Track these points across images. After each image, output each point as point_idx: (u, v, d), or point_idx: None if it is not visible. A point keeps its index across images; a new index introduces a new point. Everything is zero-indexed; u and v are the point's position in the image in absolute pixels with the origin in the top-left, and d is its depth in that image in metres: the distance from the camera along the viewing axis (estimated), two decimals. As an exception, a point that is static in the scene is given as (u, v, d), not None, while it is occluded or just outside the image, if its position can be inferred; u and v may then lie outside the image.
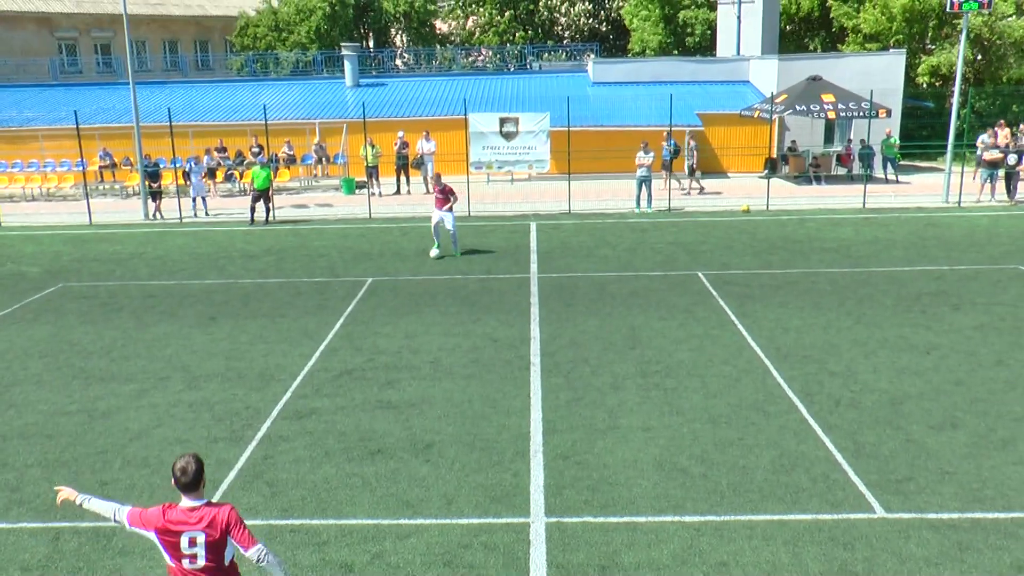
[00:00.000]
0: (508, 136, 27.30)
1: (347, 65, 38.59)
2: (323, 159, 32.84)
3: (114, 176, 33.44)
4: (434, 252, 20.65)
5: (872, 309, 15.69)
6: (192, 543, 5.63)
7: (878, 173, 31.37)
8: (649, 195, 26.27)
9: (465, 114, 27.92)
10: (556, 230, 23.55)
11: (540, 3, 50.79)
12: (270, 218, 25.90)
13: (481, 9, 51.57)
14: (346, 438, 10.77)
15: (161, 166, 29.33)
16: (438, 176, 21.41)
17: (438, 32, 55.55)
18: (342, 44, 41.94)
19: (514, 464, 9.97)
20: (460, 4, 52.80)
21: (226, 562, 5.73)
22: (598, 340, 14.22)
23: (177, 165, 29.42)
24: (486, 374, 12.82)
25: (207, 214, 27.62)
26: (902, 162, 32.92)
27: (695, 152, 29.35)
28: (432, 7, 53.37)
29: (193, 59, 56.77)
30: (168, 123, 28.25)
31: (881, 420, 10.91)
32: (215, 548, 5.64)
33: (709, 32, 43.66)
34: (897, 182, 30.96)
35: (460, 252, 20.83)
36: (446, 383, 12.50)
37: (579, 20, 51.59)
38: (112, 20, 51.83)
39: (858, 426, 10.75)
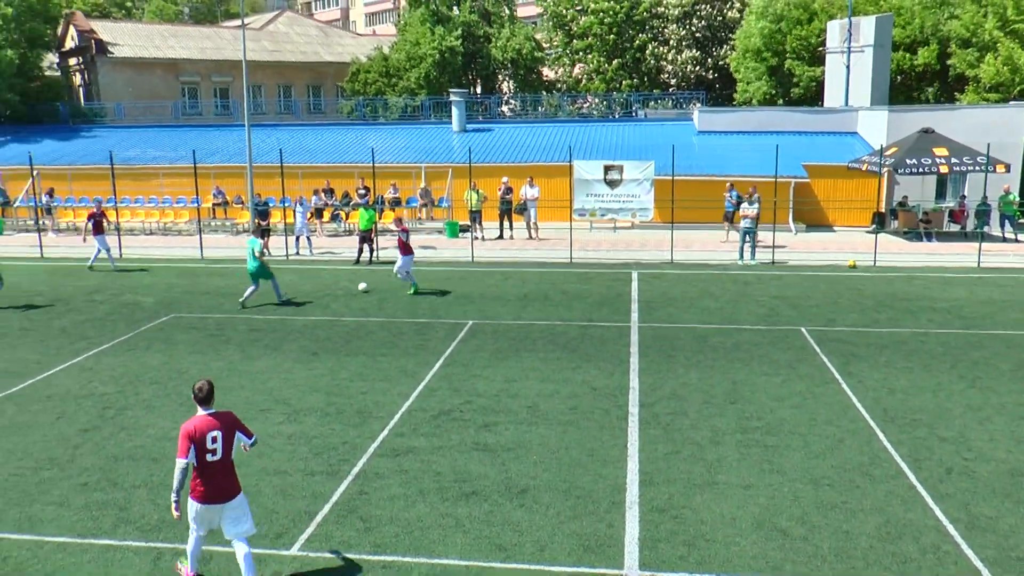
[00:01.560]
0: (612, 184, 27.33)
1: (454, 111, 39.35)
2: (428, 202, 33.42)
3: (225, 213, 34.70)
4: (362, 286, 22.29)
5: (987, 373, 15.01)
6: (214, 440, 8.13)
7: (995, 231, 30.22)
8: (753, 246, 25.87)
9: (570, 161, 28.09)
10: (658, 279, 23.36)
11: (647, 51, 50.90)
12: (373, 258, 26.41)
13: (588, 57, 51.97)
14: (441, 478, 10.81)
15: (271, 205, 30.30)
16: (399, 220, 22.83)
17: (545, 79, 56.18)
18: (450, 90, 42.76)
19: (609, 514, 9.83)
20: (567, 51, 53.33)
21: (232, 454, 8.28)
22: (698, 393, 13.98)
23: (286, 204, 30.37)
24: (584, 422, 12.72)
25: (311, 252, 28.33)
26: (1022, 220, 31.66)
27: (757, 204, 28.57)
28: (540, 54, 54.07)
29: (306, 103, 58.75)
30: (279, 164, 29.23)
31: (998, 492, 10.37)
32: (227, 442, 8.23)
33: (815, 85, 43.04)
34: (1016, 240, 29.76)
35: (415, 291, 21.85)
36: (543, 429, 12.44)
37: (686, 68, 51.48)
38: (232, 66, 54.16)
39: (972, 496, 10.24)
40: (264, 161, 33.10)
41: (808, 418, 12.81)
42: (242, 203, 33.50)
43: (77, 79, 54.71)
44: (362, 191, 31.88)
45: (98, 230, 25.75)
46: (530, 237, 30.45)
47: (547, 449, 11.69)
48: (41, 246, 29.69)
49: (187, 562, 8.61)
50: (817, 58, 42.81)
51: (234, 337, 17.96)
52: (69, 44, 53.94)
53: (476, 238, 28.95)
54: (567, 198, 28.18)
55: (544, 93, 52.96)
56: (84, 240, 26.54)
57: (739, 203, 28.59)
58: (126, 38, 53.55)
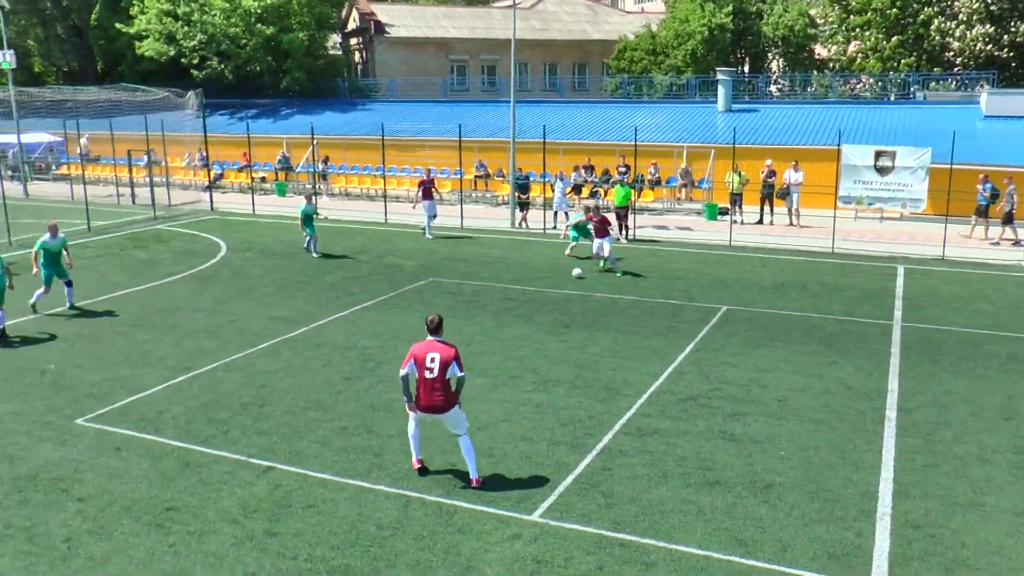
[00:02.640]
0: (882, 171, 25.68)
1: (720, 89, 38.43)
2: (688, 183, 32.95)
3: (487, 185, 35.91)
4: (576, 272, 21.71)
5: None
6: (432, 360, 9.83)
7: None
8: (1042, 248, 23.47)
9: (838, 145, 26.69)
10: (926, 276, 21.74)
11: (932, 27, 47.18)
12: (627, 236, 26.40)
13: (866, 34, 48.93)
14: (685, 463, 10.68)
15: (531, 179, 30.99)
16: (596, 208, 22.53)
17: (816, 58, 53.54)
18: (717, 68, 41.79)
19: (858, 523, 9.31)
20: (842, 28, 50.45)
21: (447, 376, 9.83)
22: (965, 404, 12.90)
23: (546, 179, 30.97)
24: (836, 421, 12.11)
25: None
26: None
27: (1013, 197, 25.55)
28: (812, 31, 51.58)
29: (571, 81, 59.44)
30: (542, 140, 29.80)
31: None
32: (443, 364, 9.82)
33: None
34: None
35: (621, 272, 21.76)
36: (792, 424, 11.97)
37: (975, 45, 47.19)
38: (500, 44, 55.71)
39: None
40: (527, 137, 33.84)
41: (1099, 443, 11.50)
42: (503, 176, 34.51)
43: (357, 57, 58.49)
44: (622, 169, 31.90)
45: (427, 196, 27.15)
46: (791, 223, 29.28)
47: (796, 446, 11.24)
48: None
49: (413, 453, 10.52)
50: None
51: (489, 304, 18.59)
52: (351, 25, 57.80)
53: (735, 221, 28.21)
54: (832, 184, 26.79)
55: (815, 72, 50.53)
56: (414, 207, 28.03)
57: (993, 196, 26.10)
58: (402, 19, 56.51)
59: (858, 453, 11.05)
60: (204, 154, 39.43)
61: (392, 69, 53.81)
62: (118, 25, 49.34)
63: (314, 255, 24.02)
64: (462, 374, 9.96)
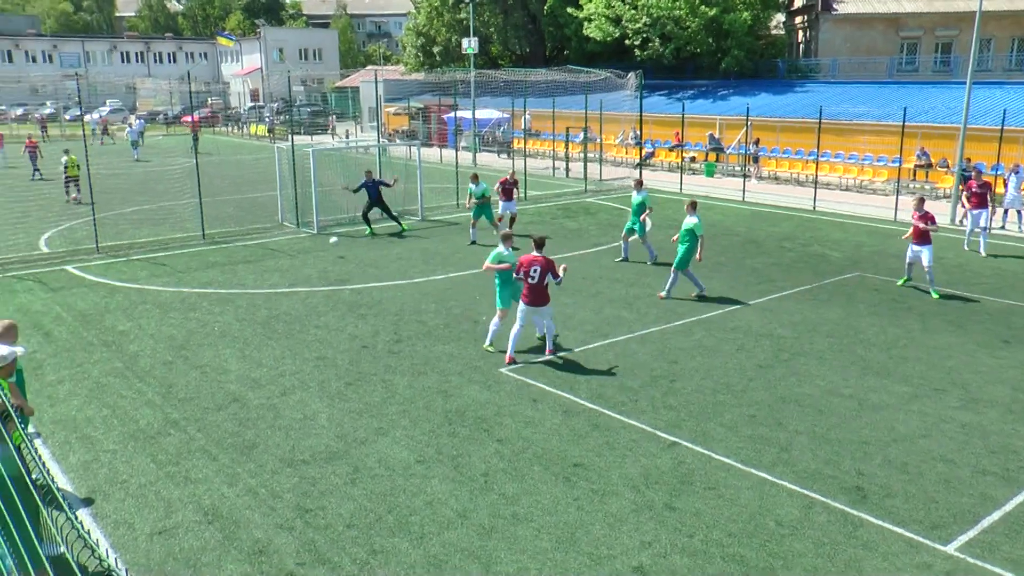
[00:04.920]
0: None
1: None
2: None
3: (927, 176, 33.19)
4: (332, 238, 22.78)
5: None
6: (535, 270, 13.44)
7: None
8: None
9: None
10: None
11: None
12: (1094, 244, 23.03)
13: None
14: None
15: (980, 171, 28.03)
16: (920, 201, 18.27)
17: None
18: None
19: None
20: None
21: (544, 283, 13.48)
22: None
23: (998, 172, 27.93)
24: None
25: (1021, 229, 25.72)
26: None
27: None
28: None
29: (1041, 59, 52.80)
30: (999, 127, 26.88)
31: None
32: (543, 273, 13.43)
33: None
34: None
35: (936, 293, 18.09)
36: None
37: None
38: (960, 18, 50.83)
39: None
40: (981, 123, 30.69)
41: None
42: (947, 167, 31.67)
43: (799, 36, 56.76)
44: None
45: (980, 203, 22.53)
46: None
47: None
48: (744, 191, 31.89)
49: (508, 348, 13.84)
50: None
51: (916, 306, 17.29)
52: (797, 4, 56.13)
53: None
54: None
55: None
56: (963, 218, 24.24)
57: None
58: (853, -7, 53.88)
59: None
60: (637, 133, 40.89)
61: (835, 48, 51.58)
62: (569, 10, 52.70)
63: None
64: (557, 281, 13.61)
